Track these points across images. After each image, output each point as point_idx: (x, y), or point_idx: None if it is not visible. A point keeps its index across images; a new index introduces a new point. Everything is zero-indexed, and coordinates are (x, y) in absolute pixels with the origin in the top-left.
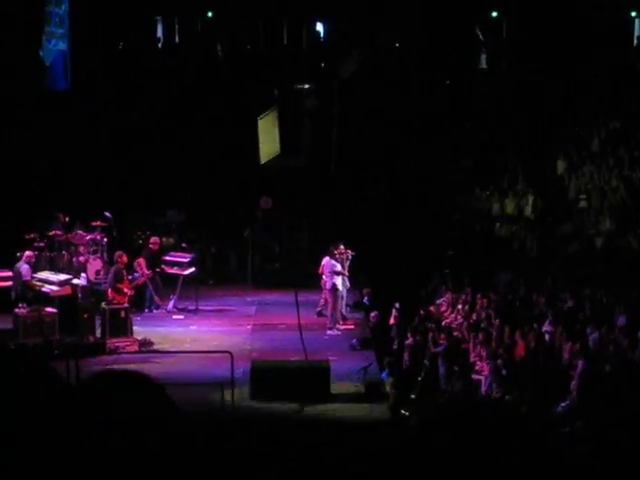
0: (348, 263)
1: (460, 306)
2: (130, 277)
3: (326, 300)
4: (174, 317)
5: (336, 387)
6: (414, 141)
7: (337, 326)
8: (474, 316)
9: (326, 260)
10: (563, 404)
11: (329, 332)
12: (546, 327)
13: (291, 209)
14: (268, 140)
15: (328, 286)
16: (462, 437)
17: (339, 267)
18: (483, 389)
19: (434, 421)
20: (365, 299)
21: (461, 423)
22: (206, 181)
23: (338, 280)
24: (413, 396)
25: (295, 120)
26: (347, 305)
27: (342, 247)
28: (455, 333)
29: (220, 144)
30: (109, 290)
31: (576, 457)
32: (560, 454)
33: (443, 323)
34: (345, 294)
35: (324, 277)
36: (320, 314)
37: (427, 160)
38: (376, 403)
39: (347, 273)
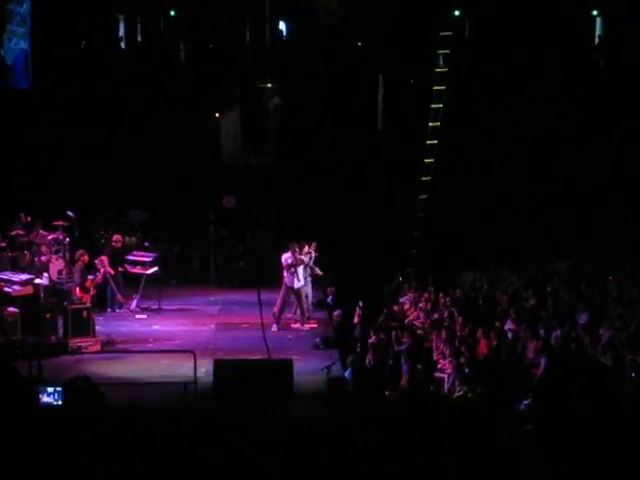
0: (311, 262)
1: (422, 304)
2: (91, 277)
3: (283, 300)
4: (137, 317)
5: (298, 387)
6: (379, 138)
7: (305, 324)
8: (437, 314)
9: (284, 256)
10: (525, 402)
11: (300, 326)
12: (509, 325)
13: (255, 208)
14: (231, 139)
15: (288, 283)
16: (402, 435)
17: (290, 261)
18: (446, 387)
19: (376, 418)
20: (329, 298)
21: (406, 420)
22: (169, 180)
23: (297, 277)
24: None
25: (258, 119)
26: (312, 304)
27: (306, 248)
28: (418, 331)
29: (183, 143)
30: (76, 289)
31: (534, 456)
32: (517, 453)
33: (406, 321)
34: (310, 292)
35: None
36: (277, 317)
37: (395, 158)
38: (339, 402)
39: (307, 271)
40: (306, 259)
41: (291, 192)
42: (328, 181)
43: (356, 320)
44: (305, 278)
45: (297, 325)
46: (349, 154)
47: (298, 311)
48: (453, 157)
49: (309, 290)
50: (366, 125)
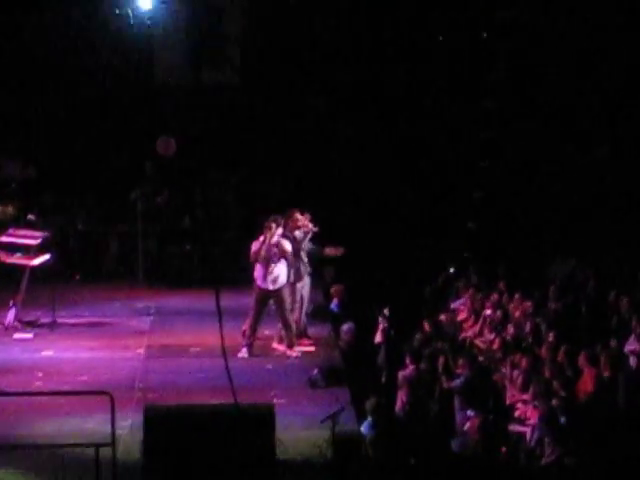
0: (307, 243)
1: (489, 312)
2: None
3: (257, 310)
4: (16, 336)
5: (285, 449)
6: None
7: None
8: (511, 329)
9: (258, 242)
10: None
11: (287, 352)
12: (631, 345)
13: (208, 157)
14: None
15: (261, 284)
16: None
17: (288, 247)
18: (528, 447)
19: None
20: (333, 304)
21: None
22: (69, 114)
23: (284, 272)
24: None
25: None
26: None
27: (298, 216)
28: (481, 357)
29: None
30: None
31: None
32: None
33: (461, 340)
34: (307, 295)
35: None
36: (249, 336)
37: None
38: (351, 475)
39: (305, 259)
40: (300, 235)
41: (269, 131)
42: (330, 112)
43: (379, 339)
44: (297, 271)
45: (281, 347)
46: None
47: (281, 325)
48: None
49: (306, 292)
50: None
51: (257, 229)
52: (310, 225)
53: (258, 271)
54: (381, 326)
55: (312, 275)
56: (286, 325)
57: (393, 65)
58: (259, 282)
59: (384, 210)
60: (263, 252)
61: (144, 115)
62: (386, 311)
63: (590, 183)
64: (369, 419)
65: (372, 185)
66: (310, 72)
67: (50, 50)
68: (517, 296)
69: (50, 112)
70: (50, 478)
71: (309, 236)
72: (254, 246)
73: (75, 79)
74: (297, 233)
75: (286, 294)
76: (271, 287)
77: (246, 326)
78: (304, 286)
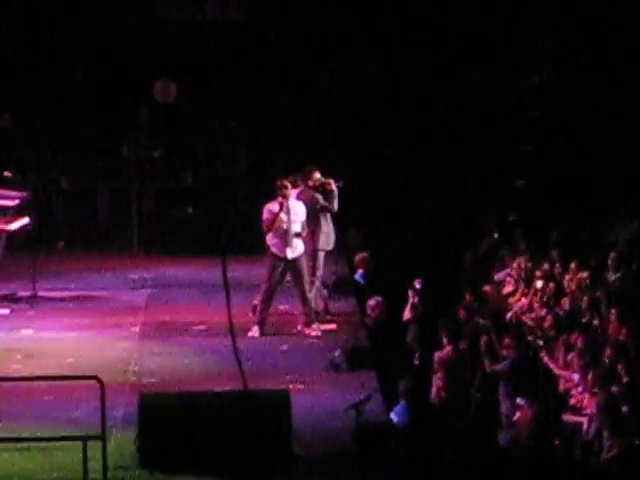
0: (335, 205)
1: (540, 284)
2: None
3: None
4: None
5: (304, 442)
6: None
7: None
8: (566, 302)
9: (274, 204)
10: None
11: (305, 329)
12: None
13: (214, 104)
14: None
15: (278, 252)
16: None
17: (302, 211)
18: (585, 439)
19: None
20: (358, 274)
21: None
22: (53, 54)
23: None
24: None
25: None
26: (325, 286)
27: (318, 176)
28: (530, 337)
29: None
30: None
31: None
32: None
33: (508, 317)
34: (321, 267)
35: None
36: (261, 312)
37: None
38: (377, 473)
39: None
40: (320, 199)
41: (281, 74)
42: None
43: (408, 315)
44: (327, 237)
45: (299, 327)
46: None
47: (301, 302)
48: None
49: (321, 263)
50: None
51: (270, 189)
52: (333, 184)
53: (273, 237)
54: (411, 300)
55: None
56: (304, 299)
57: None
58: (275, 250)
59: (416, 163)
60: (280, 220)
61: (139, 55)
62: (417, 283)
63: None
64: (402, 403)
65: (403, 134)
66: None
67: None
68: (572, 266)
69: (29, 50)
70: (31, 476)
71: (335, 198)
72: (267, 212)
73: (59, 11)
74: (318, 195)
75: (304, 264)
76: (290, 256)
77: (258, 300)
78: (319, 258)
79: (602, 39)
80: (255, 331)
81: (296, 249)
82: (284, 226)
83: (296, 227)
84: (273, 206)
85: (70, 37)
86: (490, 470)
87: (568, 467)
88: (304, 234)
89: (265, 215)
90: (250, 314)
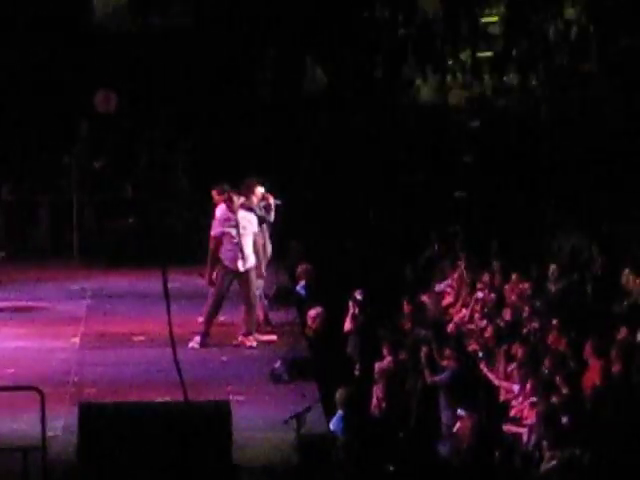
0: (271, 217)
1: (480, 295)
2: None
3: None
4: None
5: (243, 453)
6: None
7: (255, 334)
8: (507, 314)
9: (222, 209)
10: None
11: (242, 339)
12: None
13: (154, 115)
14: None
15: (228, 263)
16: None
17: (254, 221)
18: (524, 450)
19: None
20: (300, 285)
21: None
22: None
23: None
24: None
25: None
26: (266, 297)
27: (258, 189)
28: (471, 346)
29: None
30: None
31: None
32: None
33: (449, 328)
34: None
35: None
36: (208, 321)
37: None
38: None
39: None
40: (258, 210)
41: (227, 82)
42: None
43: (348, 326)
44: (258, 249)
45: (239, 337)
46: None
47: (245, 313)
48: None
49: (260, 274)
50: None
51: (210, 200)
52: (272, 199)
53: (227, 250)
54: (351, 311)
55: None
56: (249, 311)
57: None
58: (227, 262)
59: (358, 176)
60: (229, 233)
61: (80, 65)
62: (357, 294)
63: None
64: (339, 413)
65: (343, 146)
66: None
67: None
68: (513, 276)
69: None
70: None
71: (272, 211)
72: (219, 222)
73: None
74: (257, 204)
75: (254, 276)
76: (242, 268)
77: (206, 307)
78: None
79: None
80: (196, 342)
81: (247, 261)
82: (234, 239)
83: (248, 239)
84: (223, 218)
85: (7, 48)
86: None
87: (508, 478)
88: (260, 243)
89: (216, 229)
90: (191, 325)
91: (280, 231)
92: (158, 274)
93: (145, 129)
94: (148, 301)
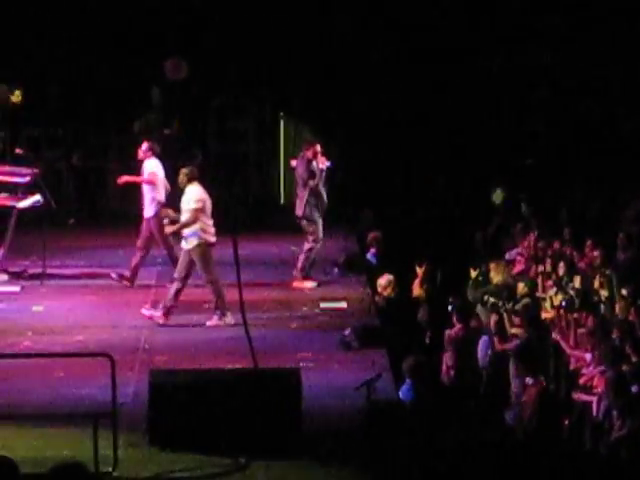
0: (321, 179)
1: (550, 263)
2: None
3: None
4: (1, 289)
5: (314, 420)
6: None
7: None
8: (577, 281)
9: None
10: None
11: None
12: None
13: (224, 78)
14: None
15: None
16: None
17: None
18: (595, 419)
19: None
20: (370, 253)
21: None
22: (63, 30)
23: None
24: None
25: None
26: (336, 264)
27: (318, 148)
28: (543, 314)
29: None
30: None
31: None
32: None
33: (519, 296)
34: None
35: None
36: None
37: None
38: (388, 451)
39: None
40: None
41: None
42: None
43: (417, 291)
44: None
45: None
46: None
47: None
48: None
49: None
50: None
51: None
52: (324, 160)
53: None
54: (420, 276)
55: (345, 220)
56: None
57: None
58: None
59: (426, 142)
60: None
61: (150, 31)
62: (426, 260)
63: None
64: (407, 382)
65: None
66: None
67: None
68: (588, 243)
69: (39, 26)
70: (40, 453)
71: (323, 172)
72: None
73: None
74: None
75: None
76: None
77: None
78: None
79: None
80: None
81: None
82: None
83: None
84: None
85: (81, 16)
86: (497, 448)
87: (576, 446)
88: None
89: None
90: (265, 292)
91: (351, 198)
92: (229, 241)
93: (215, 96)
94: (219, 268)
